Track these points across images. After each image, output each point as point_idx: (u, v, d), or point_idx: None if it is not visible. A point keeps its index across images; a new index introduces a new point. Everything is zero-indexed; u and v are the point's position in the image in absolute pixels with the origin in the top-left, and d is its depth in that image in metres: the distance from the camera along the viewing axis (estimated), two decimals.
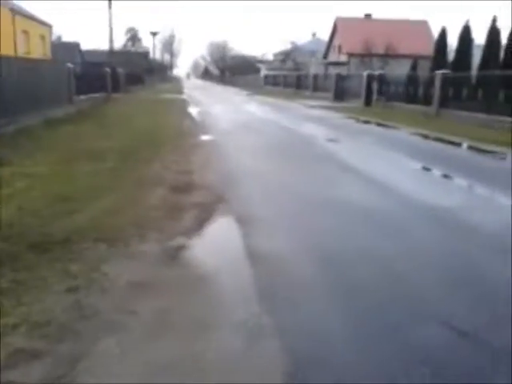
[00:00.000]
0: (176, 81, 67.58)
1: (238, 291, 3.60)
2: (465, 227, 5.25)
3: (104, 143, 9.95)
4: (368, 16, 52.23)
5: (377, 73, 25.86)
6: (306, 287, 3.70)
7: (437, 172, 8.36)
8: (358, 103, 25.78)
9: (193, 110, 19.54)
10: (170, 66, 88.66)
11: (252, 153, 9.69)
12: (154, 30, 53.48)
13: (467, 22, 23.50)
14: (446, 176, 8.05)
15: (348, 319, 3.18)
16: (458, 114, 17.80)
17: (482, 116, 16.63)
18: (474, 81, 18.79)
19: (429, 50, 44.92)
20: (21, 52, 27.90)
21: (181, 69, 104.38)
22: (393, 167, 8.70)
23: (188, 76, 50.63)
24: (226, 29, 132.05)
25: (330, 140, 11.61)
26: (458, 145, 12.02)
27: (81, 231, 4.72)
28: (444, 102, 19.14)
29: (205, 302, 3.40)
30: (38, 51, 31.71)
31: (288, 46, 50.50)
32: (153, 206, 5.65)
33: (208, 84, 54.40)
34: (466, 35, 23.64)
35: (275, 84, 44.75)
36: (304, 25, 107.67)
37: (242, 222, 5.19)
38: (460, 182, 7.72)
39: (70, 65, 17.21)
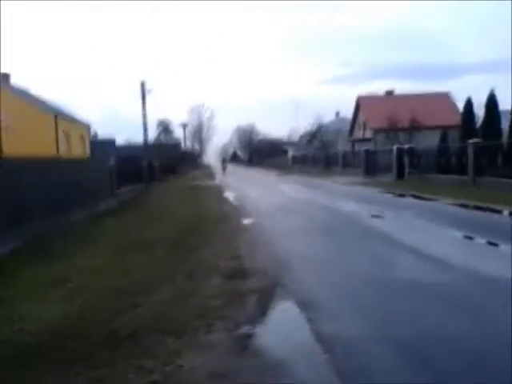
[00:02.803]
0: (207, 167, 69.85)
1: (317, 377, 3.50)
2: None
3: (150, 233, 10.20)
4: (390, 93, 53.73)
5: (407, 146, 26.20)
6: (384, 370, 3.56)
7: (481, 240, 8.20)
8: (390, 177, 25.90)
9: (228, 195, 19.98)
10: (200, 154, 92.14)
11: (296, 234, 9.73)
12: (184, 122, 56.52)
13: (492, 90, 23.88)
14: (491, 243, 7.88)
15: None
16: (495, 181, 17.63)
17: None
18: (506, 147, 18.80)
19: (454, 120, 45.47)
20: (62, 151, 29.59)
21: (210, 155, 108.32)
22: (441, 240, 8.56)
23: (223, 162, 53.70)
24: (251, 114, 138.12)
25: (374, 216, 11.58)
26: (500, 212, 11.77)
27: (146, 325, 4.75)
28: (479, 171, 19.06)
29: None
30: (78, 150, 33.59)
31: (314, 127, 52.17)
32: (211, 295, 5.65)
33: (238, 168, 55.96)
34: (491, 103, 23.93)
35: (303, 163, 45.69)
36: (326, 104, 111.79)
37: (303, 306, 5.12)
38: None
39: (111, 162, 18.13)
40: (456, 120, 45.89)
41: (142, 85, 35.92)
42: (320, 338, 4.22)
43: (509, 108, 24.91)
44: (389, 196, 17.30)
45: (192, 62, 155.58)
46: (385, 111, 46.14)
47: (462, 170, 20.31)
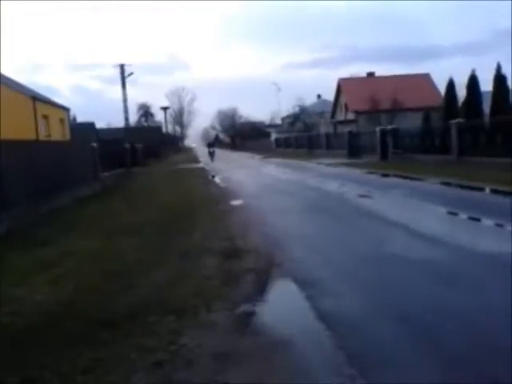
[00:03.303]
0: (189, 151, 69.23)
1: (322, 356, 3.49)
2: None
3: (138, 217, 10.05)
4: (371, 74, 53.81)
5: (390, 127, 26.31)
6: (391, 344, 3.56)
7: (465, 216, 8.30)
8: (374, 158, 26.03)
9: (215, 178, 19.85)
10: (181, 138, 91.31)
11: (287, 214, 9.71)
12: (164, 105, 55.75)
13: (473, 71, 24.06)
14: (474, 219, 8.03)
15: None
16: (478, 160, 17.84)
17: (502, 160, 16.63)
18: (489, 127, 19.01)
19: (435, 101, 45.88)
20: (42, 135, 28.95)
21: (191, 139, 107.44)
22: (427, 216, 8.63)
23: (210, 147, 39.12)
24: (232, 97, 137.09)
25: (362, 196, 11.63)
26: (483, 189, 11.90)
27: (144, 305, 4.68)
28: (462, 150, 19.27)
29: (294, 371, 3.29)
30: (58, 134, 32.90)
31: (296, 109, 52.05)
32: (207, 275, 5.60)
33: (221, 151, 55.44)
34: (473, 84, 24.13)
35: (287, 146, 45.63)
36: (307, 87, 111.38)
37: (301, 284, 5.11)
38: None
39: (94, 144, 17.78)
40: (437, 101, 46.32)
41: (122, 68, 35.31)
42: (321, 315, 4.21)
43: (487, 89, 25.11)
44: (374, 176, 17.39)
45: (171, 43, 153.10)
46: (366, 93, 46.24)
47: (445, 150, 20.50)
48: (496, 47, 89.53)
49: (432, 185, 13.74)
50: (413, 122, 30.56)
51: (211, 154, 37.63)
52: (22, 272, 6.14)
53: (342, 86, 53.36)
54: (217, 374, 3.22)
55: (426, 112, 27.37)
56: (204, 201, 11.98)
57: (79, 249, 7.33)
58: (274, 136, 54.49)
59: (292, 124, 53.14)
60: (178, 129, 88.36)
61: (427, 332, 3.77)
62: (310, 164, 26.17)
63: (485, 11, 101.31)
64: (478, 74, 24.35)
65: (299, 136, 44.37)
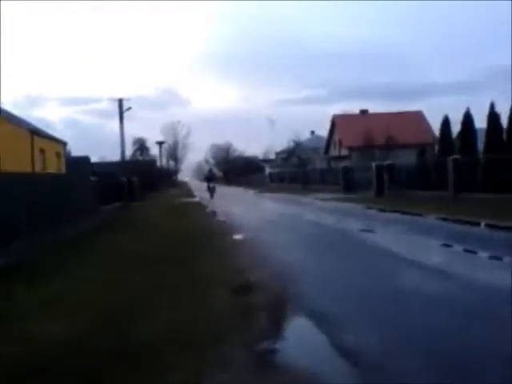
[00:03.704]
0: (183, 185, 69.33)
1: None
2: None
3: (145, 250, 9.95)
4: (364, 112, 54.78)
5: (386, 163, 26.59)
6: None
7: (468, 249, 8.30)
8: (370, 193, 26.17)
9: (214, 212, 19.80)
10: (175, 172, 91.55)
11: (292, 249, 9.65)
12: (160, 140, 56.16)
13: (468, 108, 24.64)
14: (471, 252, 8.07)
15: None
16: (476, 196, 17.98)
17: (501, 196, 16.76)
18: (485, 163, 19.27)
19: (428, 138, 46.68)
20: (38, 168, 28.90)
21: (185, 173, 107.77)
22: (429, 250, 8.64)
23: (209, 181, 33.61)
24: (226, 132, 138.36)
25: (364, 231, 11.60)
26: (493, 227, 11.89)
27: (161, 339, 4.55)
28: (459, 186, 19.44)
29: None
30: (54, 167, 32.89)
31: (291, 144, 52.68)
32: (221, 309, 5.49)
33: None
34: (468, 121, 24.65)
35: (281, 180, 45.86)
36: (299, 123, 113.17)
37: (317, 319, 5.02)
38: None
39: (93, 178, 17.75)
40: (430, 138, 47.14)
41: (120, 102, 35.71)
42: (343, 352, 4.11)
43: (479, 126, 25.63)
44: (373, 212, 17.43)
45: (165, 78, 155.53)
46: (360, 129, 46.98)
47: (442, 186, 20.67)
48: (485, 87, 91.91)
49: (432, 220, 13.77)
50: (406, 159, 30.98)
51: (211, 190, 31.60)
52: (31, 306, 5.98)
53: (335, 122, 54.24)
54: None
55: (421, 148, 27.80)
56: (206, 235, 11.89)
57: (88, 280, 7.17)
58: (267, 171, 54.84)
59: (286, 159, 53.64)
60: (171, 163, 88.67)
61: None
62: (307, 199, 26.25)
63: (474, 51, 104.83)
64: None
65: (294, 171, 44.68)
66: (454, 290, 6.04)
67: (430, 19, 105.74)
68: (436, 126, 47.98)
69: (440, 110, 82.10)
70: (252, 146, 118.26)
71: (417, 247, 9.30)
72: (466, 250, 8.75)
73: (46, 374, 3.94)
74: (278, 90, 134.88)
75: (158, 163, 61.89)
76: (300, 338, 4.75)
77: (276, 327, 4.87)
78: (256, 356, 4.13)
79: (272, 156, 68.89)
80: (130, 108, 34.87)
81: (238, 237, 11.51)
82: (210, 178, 36.05)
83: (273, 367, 3.91)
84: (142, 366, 4.02)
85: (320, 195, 27.69)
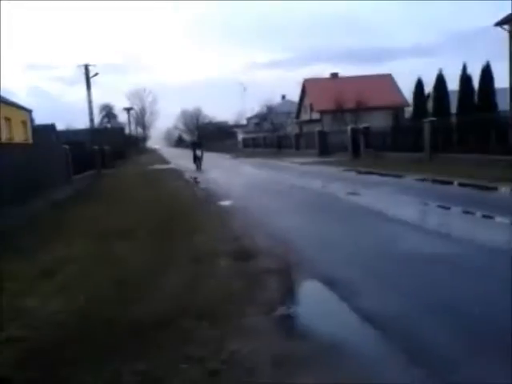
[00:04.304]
0: (153, 152, 68.02)
1: (384, 358, 3.37)
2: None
3: (126, 220, 9.61)
4: (334, 75, 54.45)
5: (362, 126, 26.66)
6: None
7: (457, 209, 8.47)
8: (345, 156, 26.30)
9: (191, 178, 19.49)
10: (144, 139, 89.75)
11: (285, 214, 9.56)
12: (128, 106, 54.58)
13: (441, 70, 24.74)
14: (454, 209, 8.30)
15: None
16: (451, 156, 18.29)
17: (474, 156, 17.10)
18: (460, 125, 19.54)
19: (397, 100, 46.97)
20: (4, 138, 27.75)
21: (154, 140, 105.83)
22: (416, 209, 8.75)
23: (196, 149, 25.05)
24: (196, 98, 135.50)
25: (351, 194, 11.64)
26: (466, 185, 12.25)
27: (168, 312, 4.42)
28: (435, 147, 19.71)
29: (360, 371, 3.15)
30: (20, 136, 31.67)
31: (263, 109, 52.10)
32: (227, 278, 5.38)
33: (186, 152, 54.57)
34: (440, 83, 24.81)
35: (255, 146, 45.58)
36: (269, 87, 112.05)
37: (328, 284, 4.98)
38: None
39: (66, 147, 17.12)
40: (399, 101, 47.40)
41: (86, 68, 34.30)
42: (363, 315, 4.09)
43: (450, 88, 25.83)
44: (354, 174, 17.51)
45: (131, 44, 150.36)
46: (330, 93, 46.79)
47: (417, 148, 20.91)
48: (448, 49, 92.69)
49: (412, 181, 13.96)
50: (377, 122, 31.16)
51: (197, 160, 25.39)
52: (24, 282, 5.72)
53: (306, 86, 53.79)
54: (286, 379, 3.05)
55: (395, 111, 27.95)
56: (190, 202, 11.65)
57: (74, 255, 6.91)
58: (240, 136, 54.32)
59: (258, 124, 53.14)
60: (139, 130, 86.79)
61: None
62: (284, 163, 26.17)
63: (439, 14, 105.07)
64: (431, 74, 25.10)
65: (268, 136, 44.40)
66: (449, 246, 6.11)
67: None
68: (403, 89, 48.42)
69: (405, 72, 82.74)
70: (223, 112, 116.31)
71: (406, 208, 9.46)
72: (451, 209, 8.95)
73: None
74: (246, 56, 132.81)
75: (127, 130, 60.48)
76: (313, 299, 4.75)
77: (289, 293, 4.82)
78: (277, 322, 4.08)
79: (243, 121, 68.20)
80: (96, 74, 33.59)
81: (226, 203, 11.35)
82: (197, 144, 27.69)
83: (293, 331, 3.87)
84: None
85: (296, 159, 27.64)
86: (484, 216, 8.25)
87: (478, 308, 4.12)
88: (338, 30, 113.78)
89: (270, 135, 44.28)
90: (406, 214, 8.67)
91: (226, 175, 20.04)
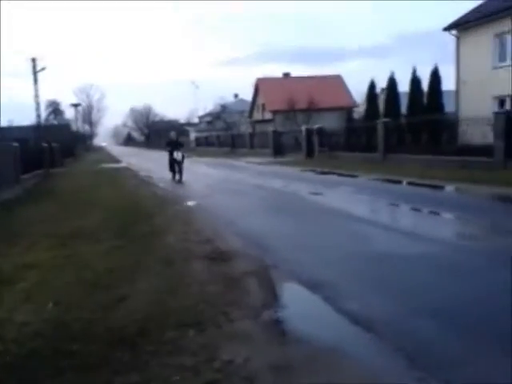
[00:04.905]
0: (101, 150, 66.00)
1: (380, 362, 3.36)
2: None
3: (84, 221, 9.19)
4: (286, 75, 54.99)
5: (316, 126, 27.01)
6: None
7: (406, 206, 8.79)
8: (299, 156, 26.58)
9: (148, 177, 19.02)
10: (91, 136, 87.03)
11: (252, 213, 9.49)
12: (75, 103, 52.64)
13: (392, 73, 25.49)
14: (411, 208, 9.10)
15: None
16: (404, 157, 18.89)
17: (426, 157, 17.76)
18: (412, 126, 20.22)
19: (346, 101, 48.05)
20: None
21: (101, 137, 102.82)
22: (378, 209, 8.97)
23: (173, 149, 15.29)
24: (147, 96, 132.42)
25: (313, 193, 11.73)
26: (418, 185, 12.83)
27: (151, 319, 4.24)
28: (388, 148, 20.27)
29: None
30: None
31: (217, 108, 51.72)
32: (205, 281, 5.23)
33: (137, 150, 53.45)
34: (392, 85, 25.57)
35: (208, 145, 45.23)
36: (221, 86, 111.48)
37: (309, 286, 4.94)
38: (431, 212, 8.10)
39: (15, 144, 16.25)
40: (348, 101, 48.47)
41: (33, 62, 32.77)
42: (351, 318, 4.08)
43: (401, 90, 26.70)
44: (311, 174, 17.69)
45: (82, 40, 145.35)
46: (283, 93, 47.22)
47: (370, 148, 21.45)
48: (396, 51, 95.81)
49: (369, 181, 14.30)
50: (327, 122, 31.76)
51: (176, 165, 17.25)
52: None
53: (259, 85, 53.99)
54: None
55: (349, 111, 28.57)
56: (153, 203, 11.32)
57: (34, 259, 6.50)
58: (193, 135, 53.72)
59: (211, 123, 52.73)
60: (86, 127, 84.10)
61: None
62: (240, 163, 26.10)
63: (387, 16, 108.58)
64: (380, 76, 25.93)
65: (221, 135, 44.15)
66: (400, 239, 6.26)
67: None
68: (352, 89, 49.62)
69: (353, 73, 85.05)
70: (174, 110, 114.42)
71: (367, 207, 9.84)
72: (412, 209, 9.29)
73: None
74: (199, 54, 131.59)
75: (73, 127, 58.40)
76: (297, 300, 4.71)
77: (271, 295, 4.74)
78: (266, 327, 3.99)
79: (195, 120, 67.52)
80: (44, 68, 32.10)
81: (188, 203, 11.12)
82: (175, 143, 18.08)
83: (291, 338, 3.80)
84: None
85: (252, 159, 27.65)
86: (431, 212, 8.91)
87: (428, 292, 4.22)
88: (290, 30, 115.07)
89: (223, 134, 44.07)
90: (367, 212, 9.16)
91: (187, 176, 19.70)
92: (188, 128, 61.85)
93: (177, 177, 17.00)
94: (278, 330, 3.94)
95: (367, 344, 3.62)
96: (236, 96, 63.20)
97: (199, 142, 48.80)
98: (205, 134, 50.17)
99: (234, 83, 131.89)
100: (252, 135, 36.52)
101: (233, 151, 37.15)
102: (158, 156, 41.08)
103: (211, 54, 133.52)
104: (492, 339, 3.56)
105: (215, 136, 44.71)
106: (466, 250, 6.19)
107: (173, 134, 18.54)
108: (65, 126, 52.45)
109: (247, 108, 55.81)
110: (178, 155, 17.11)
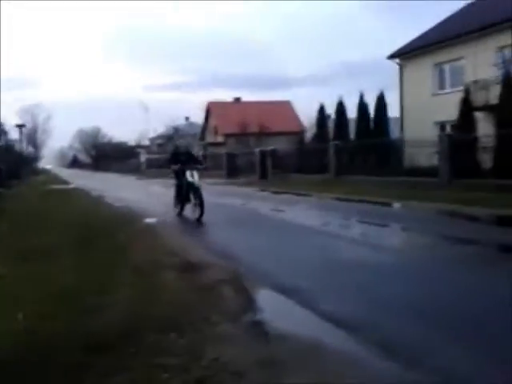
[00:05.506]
0: (47, 172, 63.87)
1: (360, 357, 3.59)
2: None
3: (44, 239, 8.94)
4: (237, 99, 55.99)
5: (269, 148, 27.59)
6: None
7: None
8: (254, 178, 26.98)
9: (103, 198, 18.65)
10: (36, 158, 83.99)
11: (217, 229, 9.62)
12: (21, 123, 50.65)
13: (341, 98, 26.51)
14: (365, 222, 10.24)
15: None
16: (354, 178, 19.67)
17: (375, 178, 18.59)
18: (362, 149, 21.13)
19: (295, 126, 49.36)
20: None
21: (47, 160, 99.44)
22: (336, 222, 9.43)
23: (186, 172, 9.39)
24: (95, 118, 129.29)
25: (274, 210, 12.05)
26: (369, 202, 13.71)
27: (129, 326, 4.27)
28: (340, 169, 21.04)
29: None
30: None
31: (168, 130, 51.61)
32: (180, 289, 5.30)
33: (85, 173, 52.17)
34: (341, 110, 26.60)
35: (159, 167, 44.82)
36: (170, 109, 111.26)
37: (282, 291, 5.15)
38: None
39: None
40: (297, 126, 49.77)
41: None
42: (329, 319, 4.31)
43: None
44: (268, 194, 18.07)
45: (24, 59, 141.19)
46: (234, 117, 48.04)
47: (322, 169, 22.17)
48: (343, 78, 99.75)
49: (324, 199, 14.90)
50: (278, 146, 32.49)
51: (192, 192, 10.90)
52: None
53: (211, 109, 54.58)
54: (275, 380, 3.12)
55: (300, 135, 29.43)
56: (114, 222, 11.17)
57: None
58: (144, 157, 53.15)
59: (162, 145, 52.45)
60: (31, 149, 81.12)
61: None
62: None
63: (332, 45, 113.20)
64: (330, 102, 27.13)
65: None
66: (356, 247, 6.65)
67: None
68: (300, 115, 51.14)
69: (301, 100, 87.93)
70: (123, 132, 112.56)
71: (325, 221, 10.46)
72: (364, 222, 10.23)
73: None
74: (147, 77, 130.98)
75: (19, 149, 56.21)
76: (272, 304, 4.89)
77: (248, 300, 4.90)
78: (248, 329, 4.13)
79: (145, 142, 66.84)
80: None
81: (150, 221, 11.07)
82: (186, 158, 11.47)
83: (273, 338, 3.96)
84: None
85: (206, 180, 27.70)
86: (381, 225, 9.91)
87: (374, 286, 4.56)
88: (236, 56, 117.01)
89: None
90: (325, 226, 9.72)
91: (140, 195, 19.54)
92: (139, 150, 61.19)
93: (192, 211, 10.78)
94: (259, 330, 4.09)
95: (341, 337, 3.87)
96: (187, 119, 63.43)
97: (150, 163, 48.34)
98: (156, 156, 49.80)
99: (183, 107, 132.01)
100: (205, 157, 36.67)
101: None
102: (109, 178, 40.50)
103: (159, 77, 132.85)
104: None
105: (166, 158, 44.49)
106: (414, 257, 6.71)
107: (182, 143, 13.53)
108: (10, 147, 50.44)
109: (198, 131, 56.09)
110: (193, 176, 10.70)
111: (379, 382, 3.15)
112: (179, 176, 11.14)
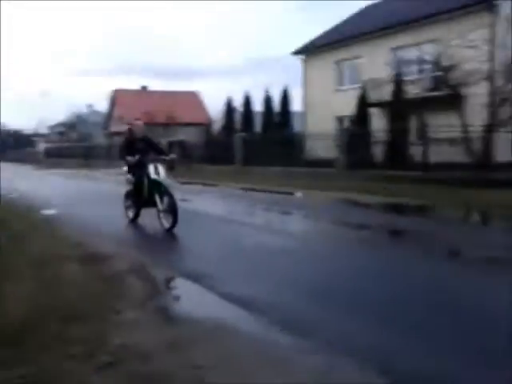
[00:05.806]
0: None
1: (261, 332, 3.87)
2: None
3: None
4: (144, 88, 54.53)
5: (177, 139, 27.39)
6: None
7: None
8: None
9: None
10: None
11: (121, 221, 9.48)
12: None
13: (247, 92, 27.16)
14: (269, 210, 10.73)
15: None
16: (260, 168, 20.25)
17: (279, 169, 19.31)
18: (268, 141, 21.77)
19: (203, 117, 49.31)
20: None
21: None
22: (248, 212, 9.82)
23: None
24: None
25: (180, 200, 12.04)
26: (272, 192, 14.34)
27: (30, 316, 4.18)
28: (246, 160, 21.50)
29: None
30: None
31: (70, 118, 48.88)
32: (84, 281, 5.23)
33: None
34: (247, 103, 27.20)
35: (60, 156, 42.55)
36: (74, 96, 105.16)
37: (188, 277, 5.30)
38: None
39: None
40: (205, 117, 49.80)
41: None
42: (231, 300, 4.54)
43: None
44: (174, 183, 17.91)
45: None
46: (140, 106, 46.75)
47: (228, 160, 22.54)
48: (250, 73, 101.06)
49: (230, 189, 15.27)
50: (185, 136, 32.44)
51: (155, 192, 8.43)
52: None
53: (116, 97, 52.55)
54: (187, 360, 3.28)
55: (208, 126, 29.50)
56: (11, 211, 10.54)
57: None
58: (42, 146, 49.92)
59: (63, 133, 49.64)
60: None
61: None
62: (99, 174, 25.30)
63: (240, 40, 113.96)
64: (237, 95, 27.65)
65: (75, 146, 41.87)
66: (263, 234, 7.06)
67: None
68: (208, 107, 51.29)
69: (209, 91, 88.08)
70: (19, 120, 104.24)
71: (231, 209, 11.20)
72: (268, 209, 10.95)
73: None
74: (50, 63, 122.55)
75: None
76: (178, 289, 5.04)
77: (155, 288, 4.99)
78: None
79: (43, 130, 62.77)
80: None
81: (49, 212, 10.61)
82: (145, 147, 8.81)
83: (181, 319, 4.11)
84: None
85: (111, 170, 26.87)
86: (285, 212, 10.60)
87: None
88: (144, 45, 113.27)
89: (77, 145, 41.85)
90: (232, 213, 10.41)
91: (40, 187, 18.41)
92: (36, 138, 57.28)
93: (157, 217, 8.42)
94: (165, 315, 4.22)
95: (244, 317, 4.12)
96: (90, 106, 60.55)
97: (50, 153, 45.60)
98: (57, 145, 47.07)
99: (88, 94, 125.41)
100: (110, 147, 35.48)
101: (88, 163, 35.59)
102: (3, 167, 37.50)
103: (63, 65, 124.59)
104: None
105: (68, 147, 42.27)
106: (315, 241, 7.34)
107: (139, 126, 8.91)
108: None
109: (102, 119, 53.87)
110: (158, 172, 8.34)
111: (274, 352, 3.43)
112: (136, 171, 8.51)
